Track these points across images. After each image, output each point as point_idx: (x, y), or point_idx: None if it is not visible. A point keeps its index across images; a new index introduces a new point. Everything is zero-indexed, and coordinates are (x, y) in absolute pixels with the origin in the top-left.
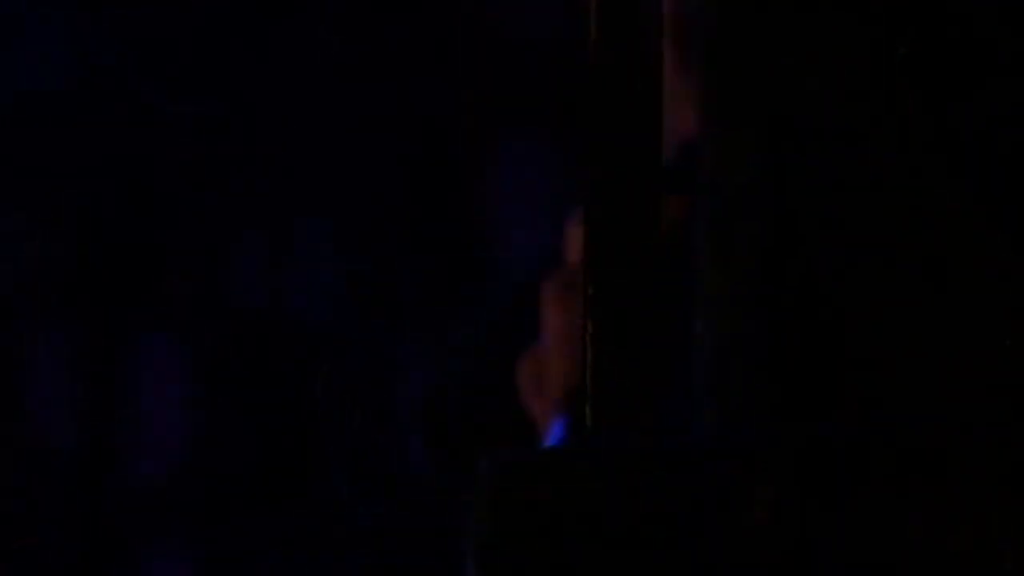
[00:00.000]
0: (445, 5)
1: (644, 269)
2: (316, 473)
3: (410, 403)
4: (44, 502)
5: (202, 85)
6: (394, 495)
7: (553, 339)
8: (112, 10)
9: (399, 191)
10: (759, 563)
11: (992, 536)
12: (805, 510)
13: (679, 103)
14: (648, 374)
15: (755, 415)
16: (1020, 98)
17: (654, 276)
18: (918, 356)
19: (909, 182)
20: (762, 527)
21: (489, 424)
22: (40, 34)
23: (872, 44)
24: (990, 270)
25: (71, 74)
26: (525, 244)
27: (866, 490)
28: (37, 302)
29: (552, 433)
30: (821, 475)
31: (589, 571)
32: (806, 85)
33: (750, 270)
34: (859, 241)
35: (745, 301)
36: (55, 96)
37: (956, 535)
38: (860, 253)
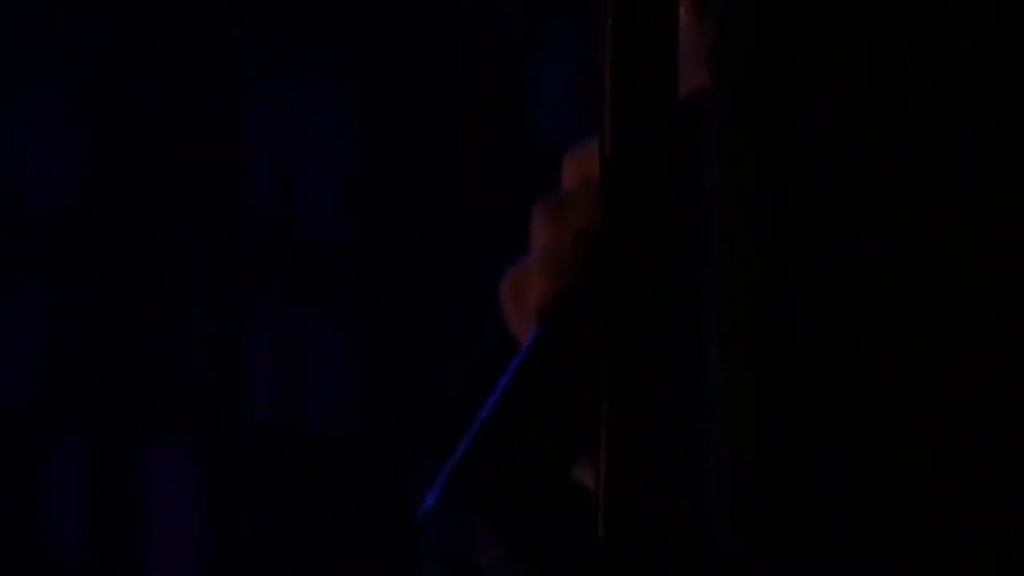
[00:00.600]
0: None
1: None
2: None
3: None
4: None
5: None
6: None
7: (539, 257)
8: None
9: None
10: None
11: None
12: None
13: (691, 61)
14: (666, 467)
15: (766, 430)
16: (1021, 98)
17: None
18: (927, 359)
19: (913, 184)
20: None
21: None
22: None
23: (872, 44)
24: (993, 271)
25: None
26: None
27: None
28: (50, 414)
29: (526, 342)
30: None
31: None
32: (809, 85)
33: (757, 275)
34: (866, 244)
35: (753, 306)
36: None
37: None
38: (867, 256)
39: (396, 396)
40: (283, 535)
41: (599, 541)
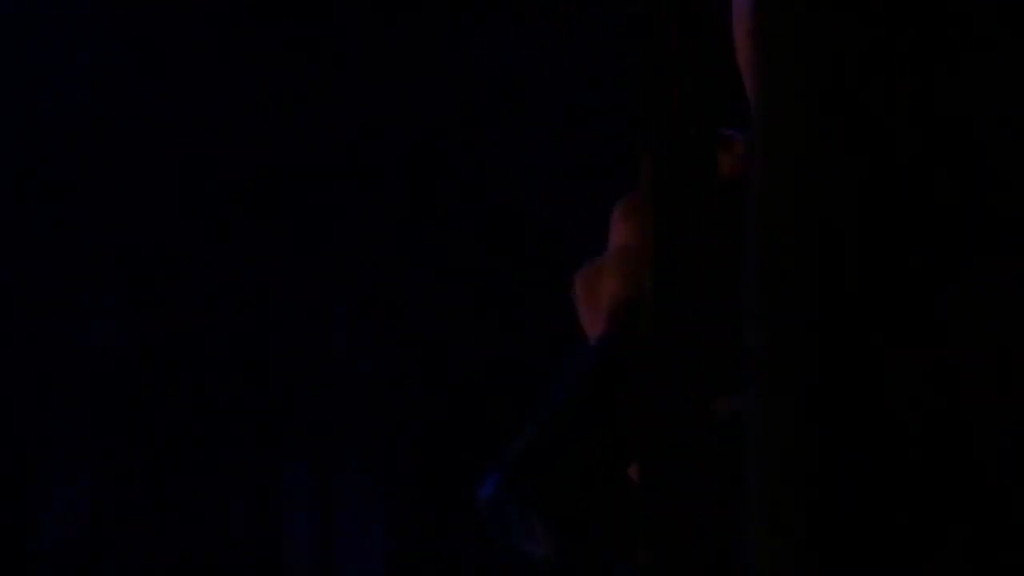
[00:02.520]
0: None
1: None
2: None
3: None
4: None
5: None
6: None
7: (612, 257)
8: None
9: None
10: None
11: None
12: None
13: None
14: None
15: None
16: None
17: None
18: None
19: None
20: None
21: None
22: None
23: (875, 44)
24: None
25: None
26: None
27: None
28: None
29: (594, 344)
30: None
31: None
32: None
33: (799, 281)
34: (896, 251)
35: (793, 312)
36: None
37: None
38: (898, 264)
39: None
40: None
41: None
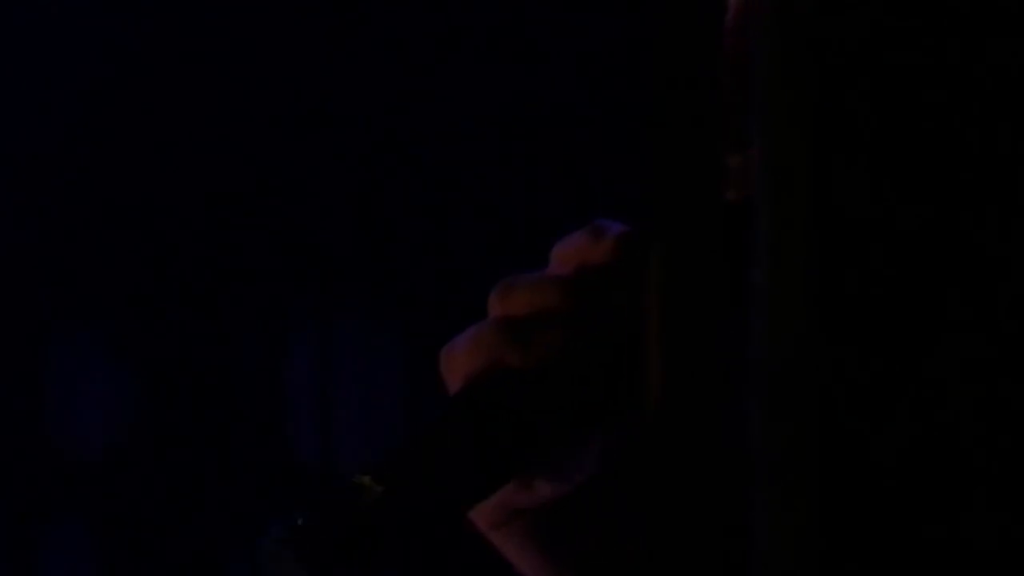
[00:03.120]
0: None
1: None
2: None
3: None
4: None
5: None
6: None
7: (467, 333)
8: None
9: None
10: None
11: None
12: None
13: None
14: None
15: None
16: None
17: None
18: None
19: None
20: None
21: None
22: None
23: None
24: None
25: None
26: None
27: None
28: None
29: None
30: None
31: None
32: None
33: (806, 290)
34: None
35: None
36: None
37: None
38: (914, 269)
39: None
40: None
41: None
